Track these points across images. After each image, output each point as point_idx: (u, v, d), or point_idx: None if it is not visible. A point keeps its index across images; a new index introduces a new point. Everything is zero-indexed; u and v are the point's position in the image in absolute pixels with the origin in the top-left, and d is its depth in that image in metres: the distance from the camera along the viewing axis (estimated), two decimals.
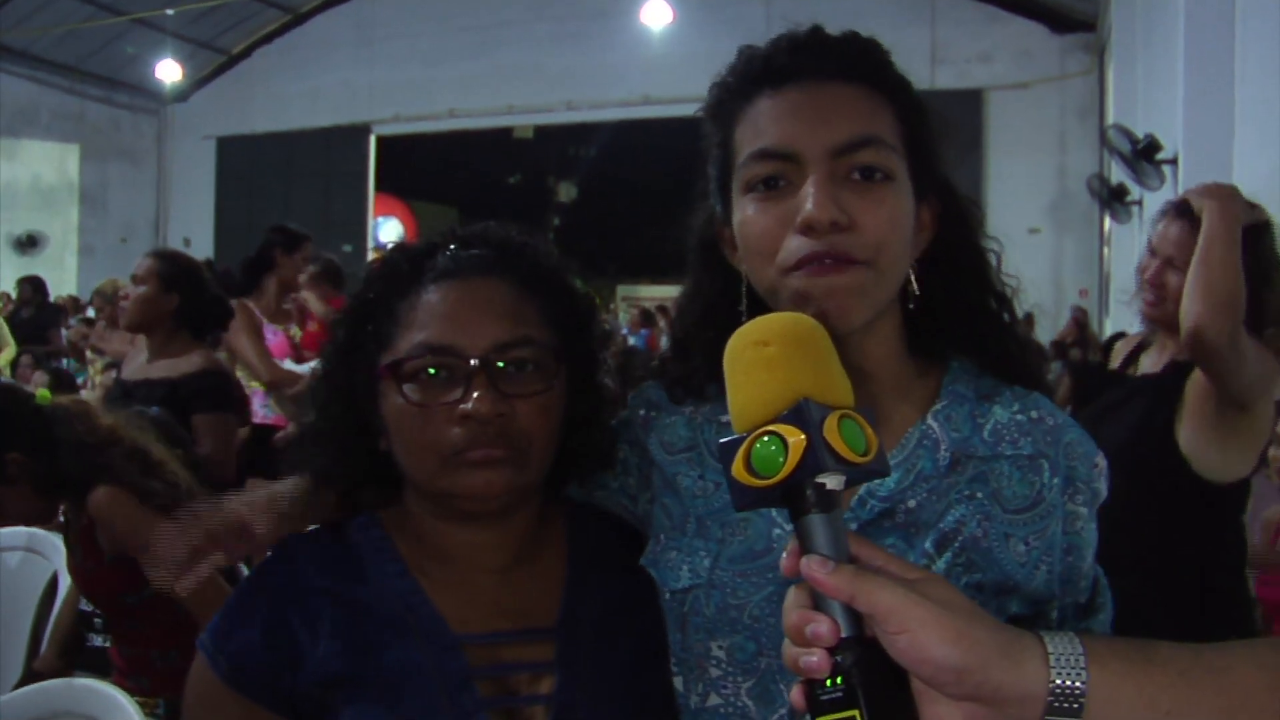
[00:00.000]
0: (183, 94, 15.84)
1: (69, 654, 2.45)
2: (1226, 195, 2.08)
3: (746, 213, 0.92)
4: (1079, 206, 11.33)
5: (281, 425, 4.07)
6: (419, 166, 17.10)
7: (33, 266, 12.50)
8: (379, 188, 16.21)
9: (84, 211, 15.67)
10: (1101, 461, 0.99)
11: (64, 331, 9.10)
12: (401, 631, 0.99)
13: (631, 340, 10.90)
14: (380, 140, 15.64)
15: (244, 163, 15.83)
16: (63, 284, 13.65)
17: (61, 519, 2.46)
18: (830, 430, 0.67)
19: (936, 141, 0.97)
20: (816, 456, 0.67)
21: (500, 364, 0.98)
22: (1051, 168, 12.27)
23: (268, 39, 15.82)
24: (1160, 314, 2.25)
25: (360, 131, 15.43)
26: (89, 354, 7.03)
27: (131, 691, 1.85)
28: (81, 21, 13.49)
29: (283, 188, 15.43)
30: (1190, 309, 1.99)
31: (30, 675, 2.38)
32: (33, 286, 9.45)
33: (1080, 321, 9.68)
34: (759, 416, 0.70)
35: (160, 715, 2.13)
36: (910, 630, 0.64)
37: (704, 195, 1.04)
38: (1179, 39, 5.11)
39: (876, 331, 0.95)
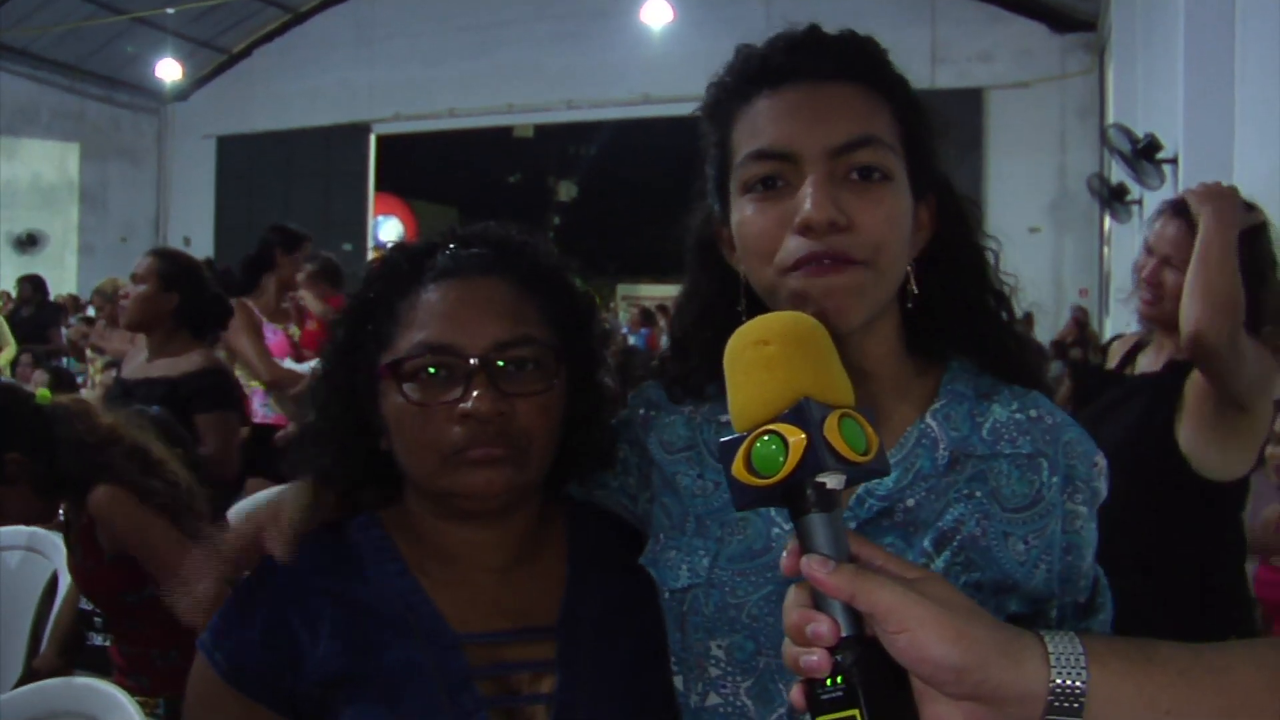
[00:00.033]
0: (183, 93, 15.84)
1: (69, 653, 2.45)
2: (1223, 198, 2.08)
3: (745, 213, 0.92)
4: (1079, 206, 11.34)
5: (282, 424, 4.07)
6: (419, 166, 17.10)
7: (33, 265, 12.51)
8: (379, 187, 16.21)
9: (84, 210, 15.67)
10: (1101, 461, 0.99)
11: (64, 330, 9.11)
12: (402, 631, 0.99)
13: (631, 339, 10.90)
14: (380, 139, 15.64)
15: (244, 162, 15.83)
16: (63, 283, 13.65)
17: (62, 518, 2.46)
18: (831, 429, 0.67)
19: (934, 140, 0.97)
20: (817, 456, 0.67)
21: (500, 363, 0.98)
22: (1052, 167, 12.27)
23: (268, 38, 15.82)
24: (1158, 313, 2.25)
25: (360, 131, 15.43)
26: (89, 353, 7.03)
27: (132, 690, 1.85)
28: (82, 20, 13.49)
29: (283, 187, 15.43)
30: (1190, 313, 1.99)
31: (30, 674, 2.38)
32: (33, 285, 9.46)
33: (1080, 321, 9.68)
34: (759, 416, 0.70)
35: (160, 714, 2.13)
36: (910, 629, 0.64)
37: (702, 195, 1.04)
38: (1179, 39, 5.11)
39: (875, 331, 0.95)
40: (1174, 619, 1.93)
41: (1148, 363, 2.38)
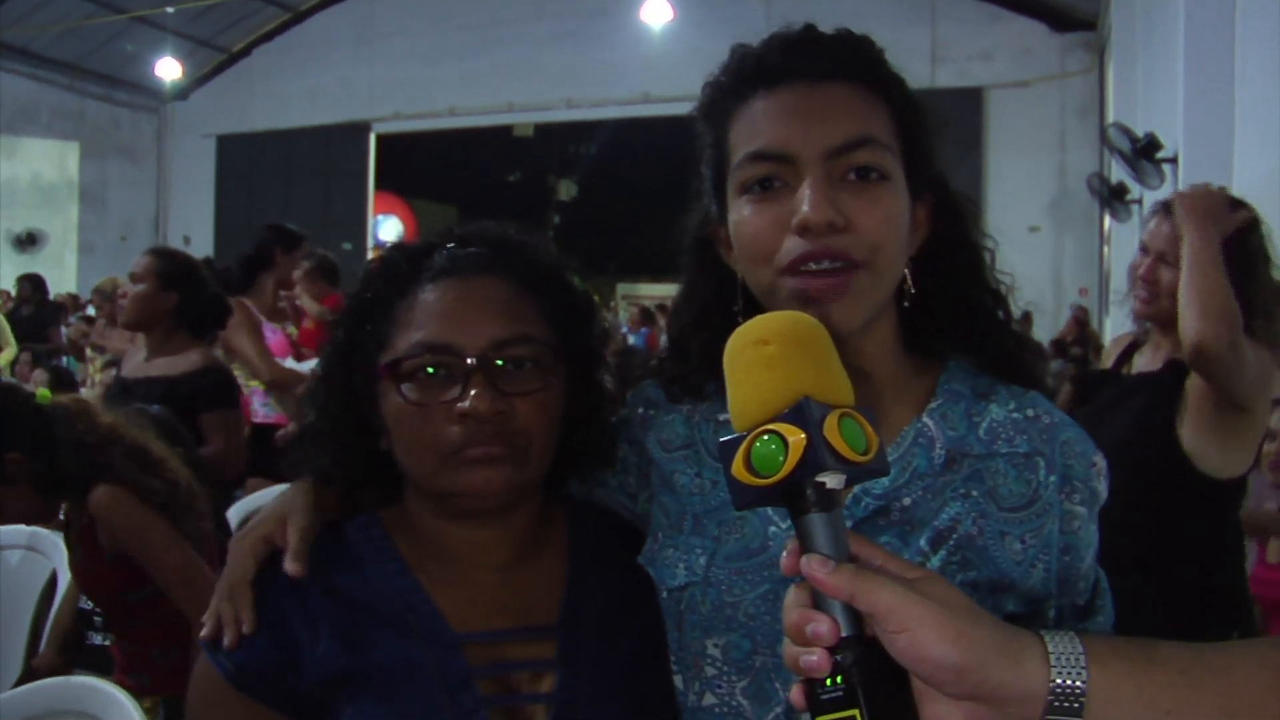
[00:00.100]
0: (182, 92, 15.84)
1: (68, 652, 2.45)
2: (1203, 212, 2.09)
3: (742, 214, 0.92)
4: (1079, 205, 11.34)
5: (282, 423, 4.07)
6: (419, 165, 17.09)
7: (32, 264, 12.51)
8: (379, 186, 16.21)
9: (84, 209, 15.67)
10: (1100, 461, 0.98)
11: (64, 329, 9.11)
12: (402, 630, 0.99)
13: (631, 339, 10.90)
14: (380, 138, 15.64)
15: (244, 161, 15.83)
16: (62, 282, 13.64)
17: (62, 518, 2.46)
18: (830, 429, 0.67)
19: (931, 139, 0.97)
20: (817, 455, 0.66)
21: (499, 362, 0.98)
22: (1052, 166, 12.27)
23: (267, 37, 15.82)
24: (1154, 310, 2.26)
25: (360, 129, 15.44)
26: (89, 352, 7.04)
27: (132, 689, 1.85)
28: (81, 19, 13.49)
29: (282, 186, 15.43)
30: (1190, 325, 2.00)
31: (29, 673, 2.38)
32: (32, 284, 9.46)
33: (1080, 320, 9.69)
34: (759, 415, 0.70)
35: (160, 714, 2.13)
36: (910, 629, 0.64)
37: (698, 195, 1.03)
38: (1179, 38, 5.11)
39: (872, 330, 0.95)
40: (1174, 619, 1.93)
41: (1145, 361, 2.38)
